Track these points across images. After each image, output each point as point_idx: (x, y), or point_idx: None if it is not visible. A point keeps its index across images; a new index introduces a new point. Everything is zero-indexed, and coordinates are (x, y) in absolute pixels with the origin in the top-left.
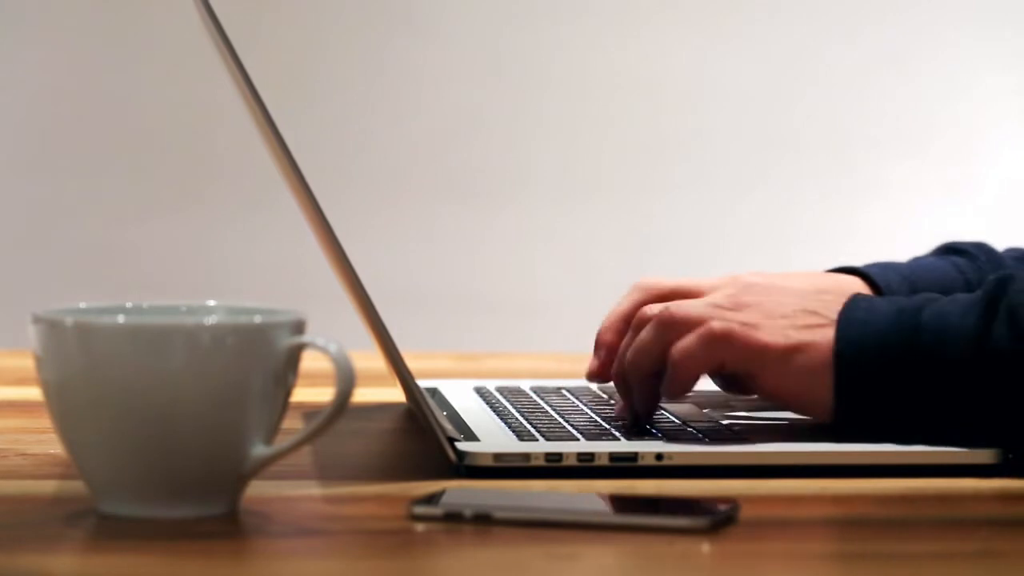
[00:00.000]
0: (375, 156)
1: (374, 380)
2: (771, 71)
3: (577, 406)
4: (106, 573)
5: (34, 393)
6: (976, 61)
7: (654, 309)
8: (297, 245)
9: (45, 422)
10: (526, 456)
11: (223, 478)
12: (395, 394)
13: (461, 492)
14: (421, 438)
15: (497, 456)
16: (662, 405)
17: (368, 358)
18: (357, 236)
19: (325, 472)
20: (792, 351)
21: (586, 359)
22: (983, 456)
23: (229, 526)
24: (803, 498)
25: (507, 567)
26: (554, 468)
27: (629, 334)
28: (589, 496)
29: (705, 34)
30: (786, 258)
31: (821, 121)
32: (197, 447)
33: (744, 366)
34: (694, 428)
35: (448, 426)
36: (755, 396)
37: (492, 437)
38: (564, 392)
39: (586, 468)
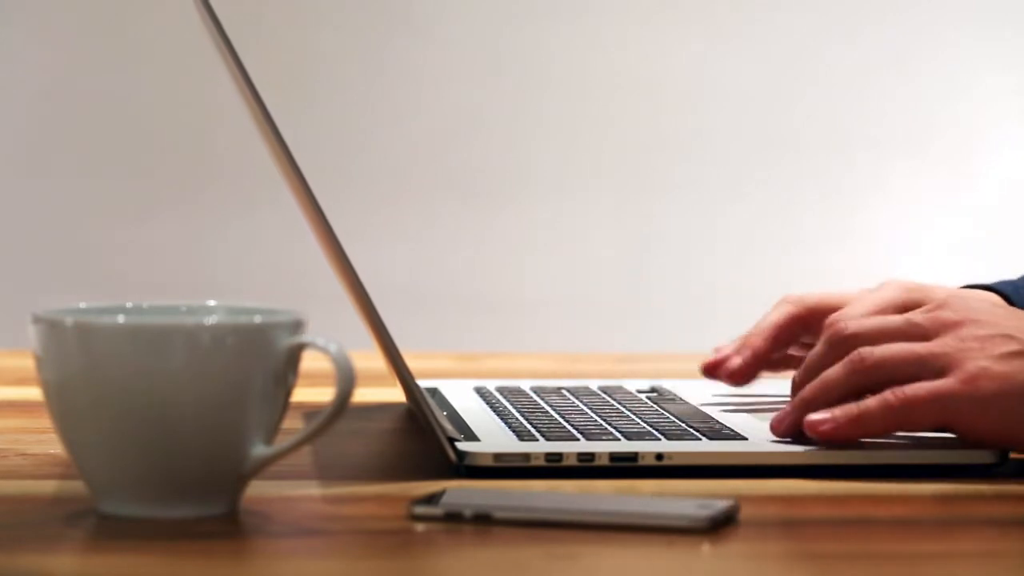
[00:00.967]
0: (375, 156)
1: (374, 380)
2: (771, 71)
3: (577, 406)
4: (106, 573)
5: (34, 393)
6: (976, 61)
7: (849, 328)
8: (297, 245)
9: (45, 422)
10: (526, 456)
11: (223, 478)
12: (395, 394)
13: (461, 492)
14: (421, 438)
15: (497, 456)
16: (662, 407)
17: (368, 358)
18: (357, 236)
19: (325, 472)
20: (993, 396)
21: (587, 359)
22: (983, 456)
23: (229, 526)
24: (803, 498)
25: (507, 567)
26: (554, 468)
27: (821, 349)
28: (589, 496)
29: (705, 34)
30: (786, 258)
31: (821, 121)
32: (197, 447)
33: (929, 426)
34: (694, 428)
35: (448, 426)
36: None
37: (492, 437)
38: (564, 392)
39: (586, 468)
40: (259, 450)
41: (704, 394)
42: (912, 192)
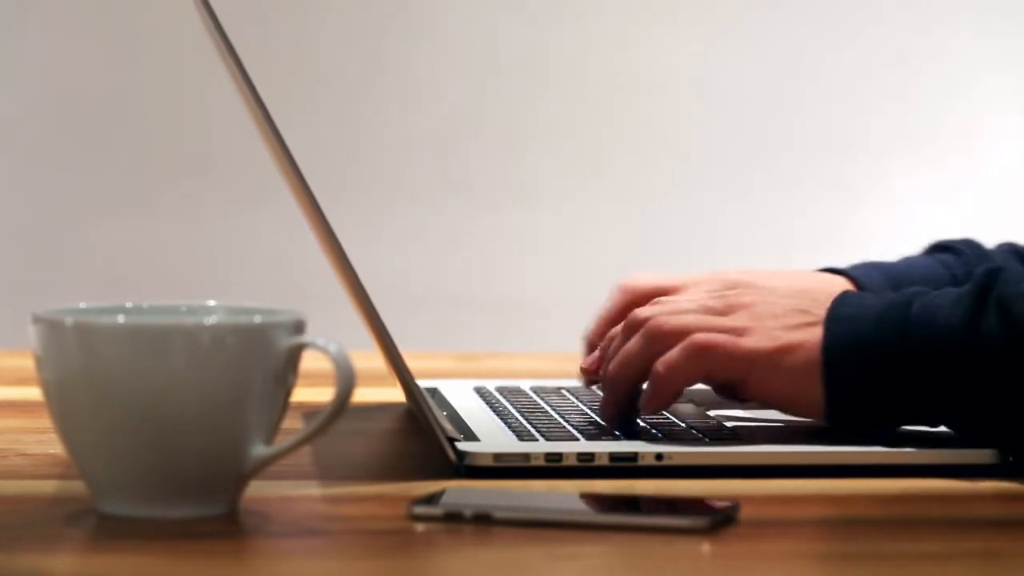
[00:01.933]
0: (375, 156)
1: (374, 380)
2: (771, 71)
3: (577, 406)
4: (106, 573)
5: (34, 393)
6: (976, 61)
7: (644, 313)
8: (297, 245)
9: (45, 422)
10: (526, 456)
11: (223, 478)
12: (395, 394)
13: (461, 492)
14: (421, 438)
15: (497, 456)
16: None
17: (368, 358)
18: (357, 236)
19: (325, 472)
20: (779, 353)
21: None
22: (983, 456)
23: (229, 526)
24: (803, 498)
25: (507, 567)
26: (554, 468)
27: (620, 337)
28: (589, 496)
29: (705, 34)
30: (786, 258)
31: (821, 121)
32: (197, 447)
33: (731, 375)
34: (694, 428)
35: (448, 426)
36: (746, 401)
37: (492, 437)
38: (564, 392)
39: (586, 468)
40: (259, 450)
41: (703, 394)
42: (912, 191)
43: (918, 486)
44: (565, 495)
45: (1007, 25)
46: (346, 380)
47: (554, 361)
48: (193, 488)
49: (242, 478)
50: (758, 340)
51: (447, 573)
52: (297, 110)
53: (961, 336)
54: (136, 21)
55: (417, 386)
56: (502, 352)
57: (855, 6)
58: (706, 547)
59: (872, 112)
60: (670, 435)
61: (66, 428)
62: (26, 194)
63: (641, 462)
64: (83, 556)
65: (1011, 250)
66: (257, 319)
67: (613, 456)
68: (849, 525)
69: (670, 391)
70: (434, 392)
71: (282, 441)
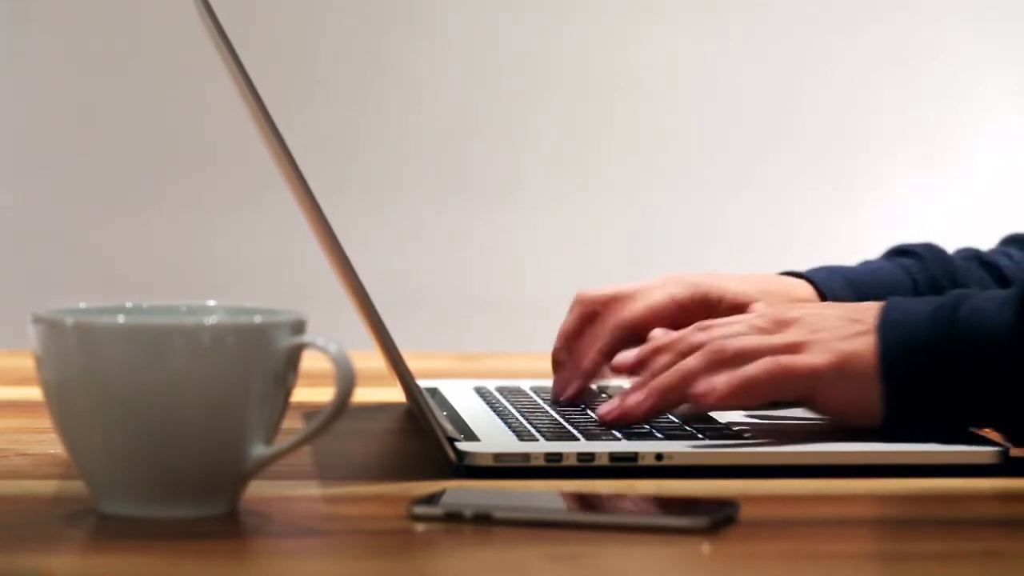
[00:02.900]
0: (375, 156)
1: (374, 380)
2: (770, 71)
3: (577, 406)
4: (106, 573)
5: (34, 393)
6: (976, 61)
7: (697, 338)
8: (297, 245)
9: (45, 422)
10: (526, 456)
11: (223, 478)
12: (395, 394)
13: (461, 492)
14: (421, 438)
15: (497, 456)
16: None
17: (368, 358)
18: (357, 236)
19: (325, 472)
20: (840, 365)
21: None
22: (983, 456)
23: (229, 526)
24: (803, 498)
25: (507, 567)
26: (554, 468)
27: (670, 357)
28: (589, 496)
29: (704, 34)
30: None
31: (820, 121)
32: (197, 447)
33: (797, 395)
34: (694, 428)
35: (448, 426)
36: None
37: (492, 437)
38: None
39: (586, 468)
40: (259, 450)
41: None
42: (911, 190)
43: (918, 486)
44: (565, 495)
45: (1007, 25)
46: (346, 380)
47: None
48: (193, 488)
49: (242, 478)
50: (817, 355)
51: (447, 573)
52: (297, 110)
53: (1007, 338)
54: (136, 21)
55: (417, 386)
56: (502, 352)
57: (854, 6)
58: (706, 547)
59: (871, 111)
60: (670, 435)
61: (66, 428)
62: (26, 194)
63: (641, 462)
64: (83, 556)
65: (974, 255)
66: (257, 319)
67: (613, 456)
68: (849, 525)
69: (729, 407)
70: (434, 392)
71: (282, 441)
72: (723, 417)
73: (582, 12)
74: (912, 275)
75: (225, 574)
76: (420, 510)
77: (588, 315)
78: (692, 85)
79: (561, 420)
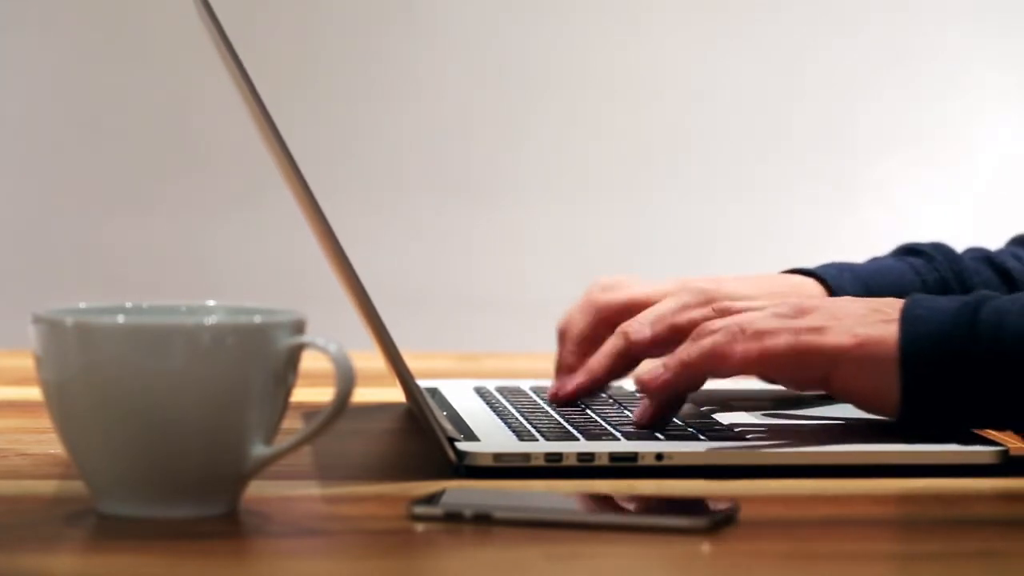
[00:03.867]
0: (375, 156)
1: (374, 380)
2: (770, 70)
3: (577, 406)
4: (106, 573)
5: (34, 393)
6: (975, 60)
7: (718, 324)
8: (297, 245)
9: (45, 422)
10: (526, 456)
11: (223, 478)
12: (395, 394)
13: (461, 492)
14: (421, 438)
15: (497, 456)
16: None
17: (368, 358)
18: (357, 236)
19: (325, 472)
20: (862, 347)
21: None
22: (983, 456)
23: (229, 526)
24: (803, 498)
25: (507, 567)
26: (554, 468)
27: (688, 341)
28: (589, 496)
29: (704, 34)
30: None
31: (820, 120)
32: (197, 447)
33: (817, 371)
34: (694, 428)
35: (448, 426)
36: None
37: (492, 437)
38: None
39: (586, 468)
40: (259, 450)
41: (703, 394)
42: (910, 190)
43: (918, 486)
44: (565, 495)
45: (1006, 25)
46: (346, 380)
47: (554, 361)
48: (193, 488)
49: (242, 478)
50: (840, 336)
51: (447, 573)
52: (297, 110)
53: None
54: (136, 21)
55: (417, 386)
56: (502, 352)
57: (854, 6)
58: (706, 547)
59: (871, 111)
60: (670, 435)
61: (66, 428)
62: (26, 194)
63: (641, 462)
64: (83, 556)
65: (983, 256)
66: (257, 319)
67: (613, 456)
68: (849, 525)
69: (774, 368)
70: (434, 392)
71: (282, 441)
72: (724, 418)
73: (582, 12)
74: (921, 275)
75: (225, 574)
76: (420, 510)
77: (603, 322)
78: (692, 85)
79: (561, 420)
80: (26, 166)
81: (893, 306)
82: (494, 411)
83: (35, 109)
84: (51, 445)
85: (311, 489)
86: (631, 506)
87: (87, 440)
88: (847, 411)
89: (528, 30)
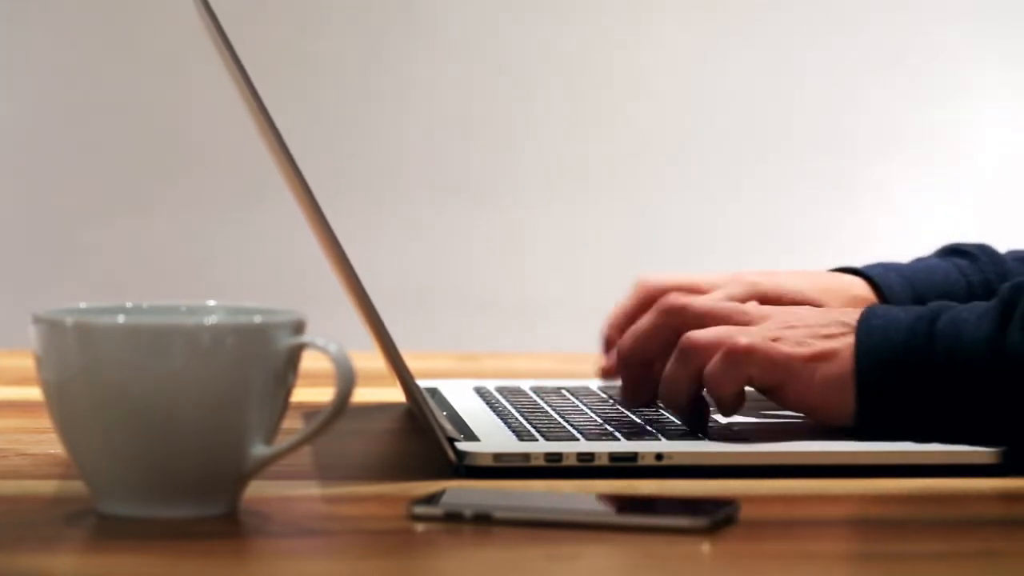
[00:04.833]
0: (375, 156)
1: (374, 380)
2: (770, 71)
3: (577, 406)
4: (106, 573)
5: (34, 393)
6: (976, 61)
7: (679, 300)
8: (297, 245)
9: (45, 422)
10: (526, 456)
11: (223, 478)
12: (395, 394)
13: (461, 492)
14: (421, 438)
15: (497, 456)
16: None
17: (368, 358)
18: (357, 236)
19: (325, 472)
20: (815, 360)
21: (587, 359)
22: (983, 456)
23: (229, 526)
24: (803, 498)
25: (507, 567)
26: (554, 468)
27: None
28: (589, 496)
29: (703, 34)
30: (785, 257)
31: (820, 121)
32: (197, 447)
33: (769, 379)
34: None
35: (448, 426)
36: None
37: (492, 437)
38: (564, 392)
39: (586, 468)
40: (259, 450)
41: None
42: (910, 191)
43: (918, 486)
44: (565, 495)
45: (1005, 25)
46: (346, 380)
47: (554, 361)
48: (193, 488)
49: (242, 478)
50: (793, 346)
51: (447, 573)
52: (297, 110)
53: (985, 351)
54: (136, 21)
55: (417, 386)
56: (502, 352)
57: (854, 6)
58: (706, 547)
59: (871, 111)
60: (670, 435)
61: (66, 428)
62: (26, 194)
63: (641, 462)
64: (83, 556)
65: (1023, 258)
66: (257, 319)
67: (613, 456)
68: (849, 525)
69: (729, 399)
70: (434, 392)
71: (282, 441)
72: (724, 417)
73: (582, 12)
74: (967, 276)
75: (225, 574)
76: (420, 510)
77: (649, 302)
78: (692, 85)
79: (561, 420)
80: (26, 166)
81: (851, 315)
82: (494, 411)
83: (35, 109)
84: (51, 445)
85: (311, 489)
86: (631, 506)
87: (87, 440)
88: None
89: (528, 30)
